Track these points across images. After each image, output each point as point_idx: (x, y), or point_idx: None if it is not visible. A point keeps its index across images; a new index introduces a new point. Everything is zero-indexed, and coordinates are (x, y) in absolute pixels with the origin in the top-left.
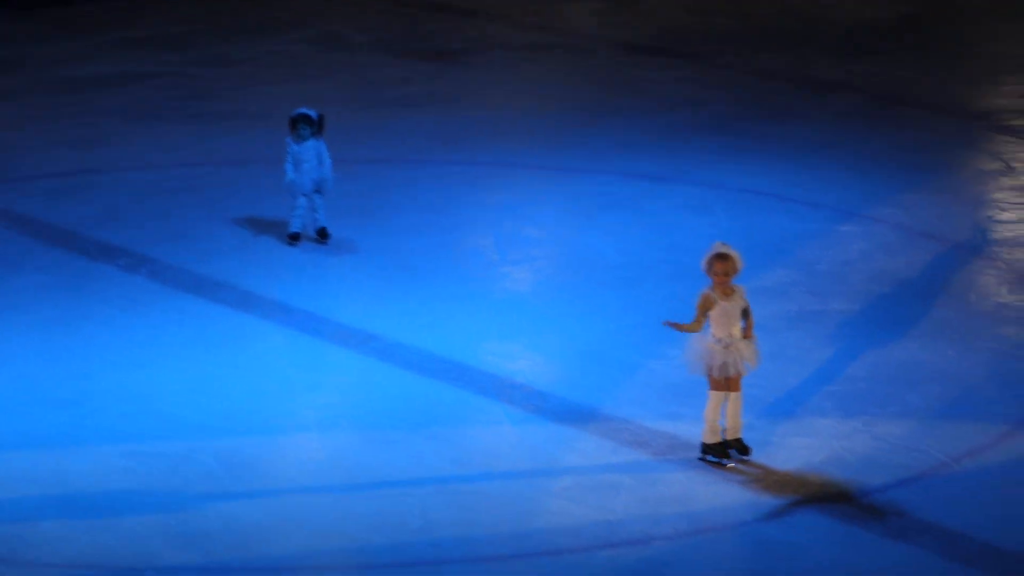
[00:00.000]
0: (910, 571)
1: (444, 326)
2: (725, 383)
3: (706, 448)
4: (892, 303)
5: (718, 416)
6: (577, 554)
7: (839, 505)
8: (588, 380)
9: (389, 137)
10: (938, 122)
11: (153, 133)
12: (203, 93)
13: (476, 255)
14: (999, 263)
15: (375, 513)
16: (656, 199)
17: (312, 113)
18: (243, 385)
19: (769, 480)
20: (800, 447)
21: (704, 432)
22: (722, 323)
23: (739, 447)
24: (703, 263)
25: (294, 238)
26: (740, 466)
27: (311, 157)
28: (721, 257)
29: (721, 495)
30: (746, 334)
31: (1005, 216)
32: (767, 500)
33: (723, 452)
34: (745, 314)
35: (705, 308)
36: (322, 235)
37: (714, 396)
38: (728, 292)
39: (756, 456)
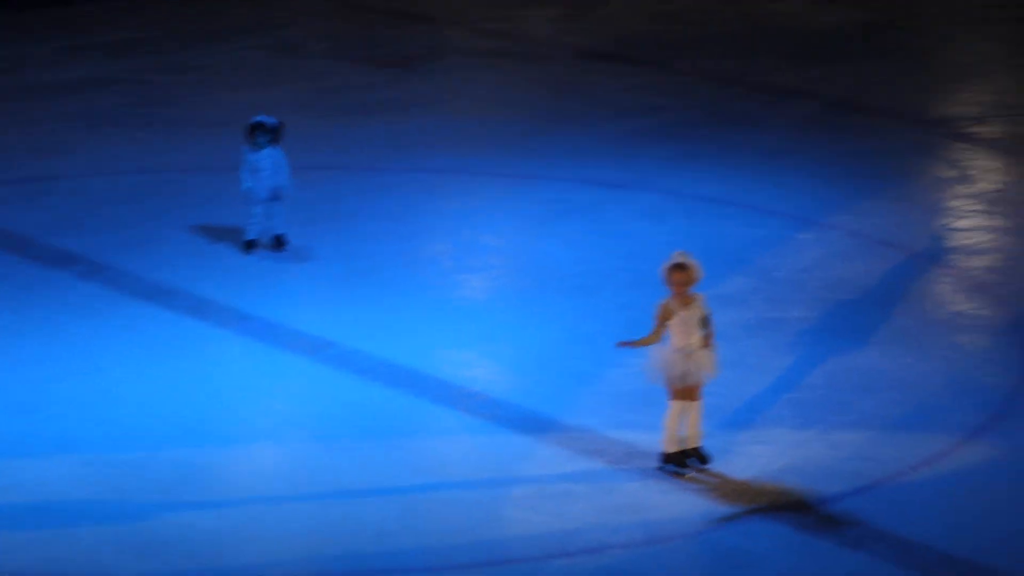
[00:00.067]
0: None
1: (400, 334)
2: (685, 392)
3: (665, 458)
4: (849, 311)
5: (678, 425)
6: (533, 563)
7: (796, 513)
8: (544, 388)
9: (346, 144)
10: (895, 129)
11: (109, 140)
12: (160, 100)
13: (433, 263)
14: (955, 271)
15: (330, 521)
16: (613, 206)
17: (269, 121)
18: (198, 393)
19: (726, 488)
20: (757, 455)
21: (663, 441)
22: (682, 332)
23: (699, 456)
24: (661, 273)
25: (250, 245)
26: (697, 475)
27: (268, 165)
28: (679, 267)
29: (677, 503)
30: (705, 343)
31: (961, 224)
32: (724, 508)
33: (682, 462)
34: (705, 322)
35: (664, 318)
36: (279, 242)
37: (674, 405)
38: (687, 301)
39: (713, 464)
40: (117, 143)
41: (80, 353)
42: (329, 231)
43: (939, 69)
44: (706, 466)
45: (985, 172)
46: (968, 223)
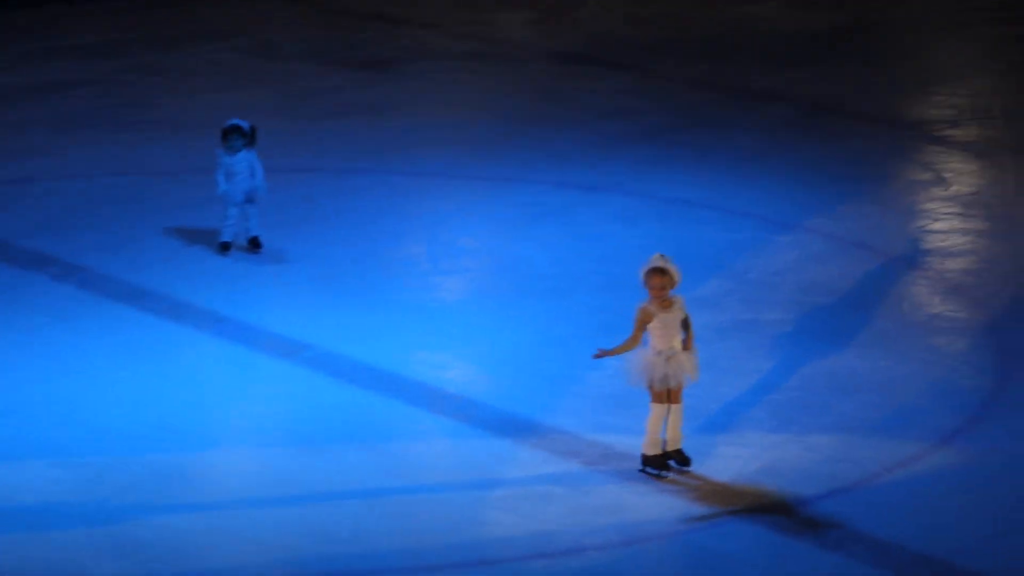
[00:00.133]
0: None
1: (376, 336)
2: (666, 395)
3: (646, 460)
4: (825, 313)
5: (659, 428)
6: (510, 564)
7: (772, 515)
8: (520, 390)
9: (321, 147)
10: (870, 132)
11: (84, 142)
12: (134, 102)
13: (409, 265)
14: (931, 273)
15: (306, 523)
16: (588, 209)
17: (244, 124)
18: (174, 395)
19: (703, 490)
20: (733, 457)
21: (644, 444)
22: (662, 335)
23: (679, 458)
24: (641, 276)
25: (225, 247)
26: (676, 476)
27: (243, 168)
28: (659, 271)
29: (655, 505)
30: (686, 345)
31: (937, 227)
32: (700, 510)
33: (663, 464)
34: (685, 325)
35: (643, 322)
36: (254, 245)
37: (656, 408)
38: (667, 304)
39: (691, 466)
40: (91, 146)
41: (55, 355)
42: (305, 233)
43: (914, 72)
44: (687, 468)
45: (960, 175)
46: (944, 226)
